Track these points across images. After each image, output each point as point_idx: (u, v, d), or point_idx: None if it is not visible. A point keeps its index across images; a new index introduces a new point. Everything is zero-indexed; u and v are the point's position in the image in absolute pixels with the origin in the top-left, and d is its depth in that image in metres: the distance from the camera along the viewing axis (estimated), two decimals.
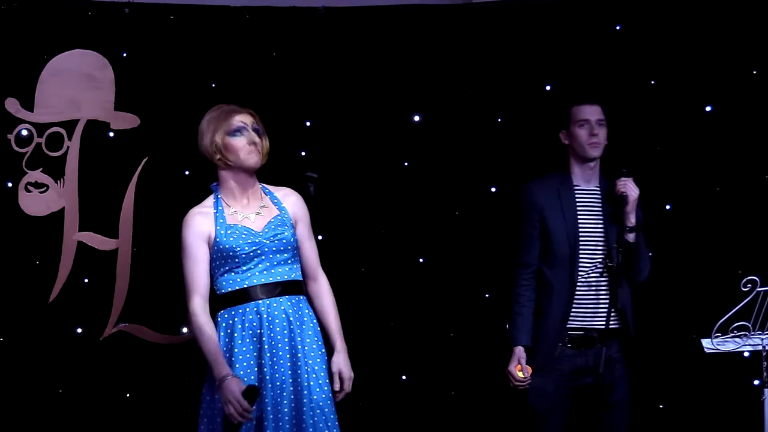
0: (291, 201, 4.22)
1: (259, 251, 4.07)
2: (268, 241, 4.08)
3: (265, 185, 4.26)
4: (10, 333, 5.56)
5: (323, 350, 4.15)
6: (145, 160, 5.65)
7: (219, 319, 4.14)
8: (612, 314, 4.55)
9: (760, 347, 4.40)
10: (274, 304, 4.05)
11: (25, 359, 5.53)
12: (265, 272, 4.08)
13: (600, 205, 4.66)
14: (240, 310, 4.08)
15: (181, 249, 4.17)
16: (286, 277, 4.09)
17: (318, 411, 4.00)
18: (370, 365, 5.16)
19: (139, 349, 5.57)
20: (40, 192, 5.63)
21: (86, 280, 5.60)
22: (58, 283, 5.58)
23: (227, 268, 4.10)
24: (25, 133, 5.64)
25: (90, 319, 5.58)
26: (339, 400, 4.10)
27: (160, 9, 5.68)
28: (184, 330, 5.58)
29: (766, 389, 4.39)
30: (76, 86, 5.66)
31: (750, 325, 4.39)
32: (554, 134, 4.85)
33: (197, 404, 5.51)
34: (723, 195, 5.29)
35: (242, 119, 4.16)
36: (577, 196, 4.70)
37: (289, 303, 4.07)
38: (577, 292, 4.60)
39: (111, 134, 5.66)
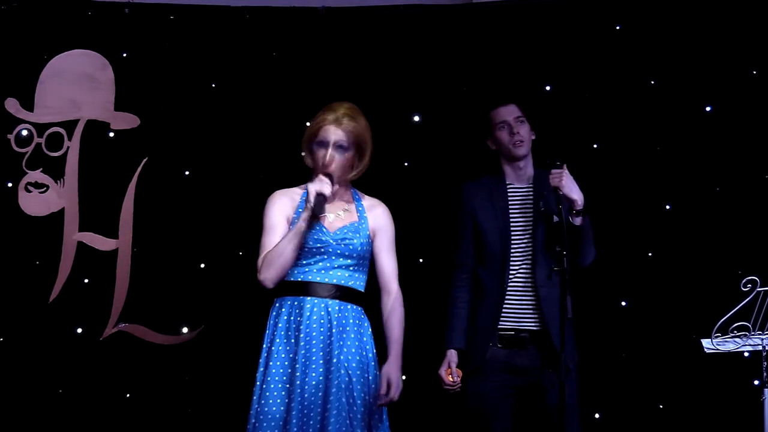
0: (374, 213, 4.20)
1: (323, 249, 4.07)
2: (334, 242, 4.07)
3: (357, 191, 4.24)
4: (10, 333, 5.57)
5: (371, 363, 4.12)
6: (145, 160, 5.65)
7: (272, 306, 4.14)
8: (535, 316, 4.52)
9: (760, 347, 4.40)
10: (322, 305, 4.04)
11: (25, 359, 5.53)
12: (323, 271, 4.07)
13: (532, 202, 4.63)
14: (288, 302, 4.08)
15: (262, 225, 4.13)
16: (343, 282, 4.08)
17: (347, 420, 3.99)
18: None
19: (139, 349, 5.57)
20: (40, 192, 5.63)
21: (86, 280, 5.61)
22: (58, 283, 5.59)
23: None
24: (25, 133, 5.64)
25: (90, 319, 5.59)
26: (381, 404, 4.07)
27: (160, 9, 5.69)
28: (184, 330, 5.59)
29: (766, 389, 4.38)
30: (76, 86, 5.67)
31: (750, 325, 4.38)
32: (554, 134, 4.85)
33: (197, 404, 5.55)
34: (723, 195, 5.29)
35: (327, 135, 4.12)
36: (509, 195, 4.67)
37: (337, 307, 4.05)
38: (509, 292, 4.57)
39: (111, 134, 5.67)
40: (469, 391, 4.59)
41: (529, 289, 4.55)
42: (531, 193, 4.63)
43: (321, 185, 4.02)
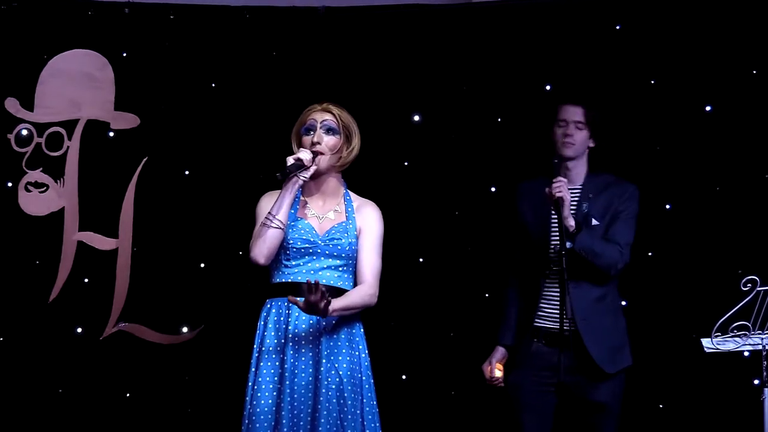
0: (363, 212, 4.19)
1: (311, 250, 4.07)
2: (322, 243, 4.08)
3: (350, 193, 4.25)
4: (10, 333, 5.57)
5: (364, 363, 4.11)
6: (145, 160, 5.65)
7: (263, 307, 4.14)
8: (565, 318, 4.53)
9: (760, 347, 4.39)
10: None
11: (25, 359, 5.53)
12: (311, 272, 4.07)
13: (576, 204, 4.62)
14: (278, 303, 4.09)
15: (255, 221, 4.15)
16: (332, 282, 4.08)
17: (338, 422, 3.99)
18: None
19: (139, 349, 5.57)
20: (40, 192, 5.63)
21: (86, 280, 5.61)
22: (58, 283, 5.59)
23: (280, 258, 4.10)
24: (25, 133, 5.64)
25: (90, 319, 5.59)
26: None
27: (160, 9, 5.69)
28: (184, 330, 5.59)
29: (766, 389, 4.38)
30: (76, 86, 5.67)
31: (750, 325, 4.38)
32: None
33: (197, 404, 5.54)
34: (723, 195, 5.29)
35: (314, 117, 4.17)
36: None
37: None
38: (548, 290, 4.57)
39: (111, 134, 5.67)
40: (509, 383, 4.63)
41: (572, 288, 4.56)
42: (578, 194, 4.63)
43: (300, 152, 4.07)
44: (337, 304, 3.98)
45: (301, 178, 4.08)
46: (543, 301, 4.58)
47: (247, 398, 4.04)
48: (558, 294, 4.51)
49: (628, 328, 5.17)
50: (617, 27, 5.44)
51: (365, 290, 4.11)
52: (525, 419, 4.57)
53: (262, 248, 4.06)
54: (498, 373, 4.65)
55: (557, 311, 4.54)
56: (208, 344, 5.57)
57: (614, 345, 4.61)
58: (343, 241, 4.10)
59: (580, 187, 4.66)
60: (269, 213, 4.06)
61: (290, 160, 4.06)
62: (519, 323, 4.67)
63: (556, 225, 4.57)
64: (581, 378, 4.49)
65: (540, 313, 4.58)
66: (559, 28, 5.47)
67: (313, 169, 4.10)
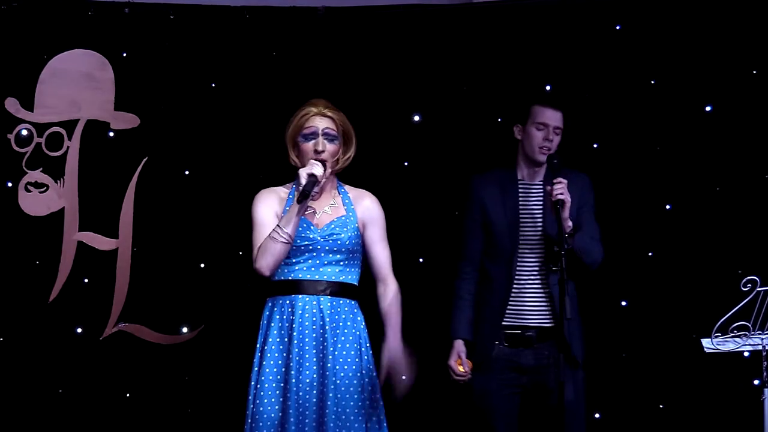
0: (363, 204, 4.19)
1: (311, 247, 4.07)
2: (322, 239, 4.07)
3: (343, 185, 4.23)
4: (10, 333, 5.57)
5: (364, 357, 4.11)
6: (145, 160, 5.66)
7: (264, 306, 4.14)
8: (545, 313, 4.51)
9: (760, 347, 4.40)
10: (314, 302, 4.04)
11: (25, 359, 5.53)
12: (312, 269, 4.07)
13: (542, 201, 4.60)
14: (280, 301, 4.08)
15: (252, 222, 4.13)
16: (334, 277, 4.08)
17: (343, 417, 3.99)
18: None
19: (139, 349, 5.58)
20: (40, 192, 5.63)
21: (86, 280, 5.61)
22: (58, 283, 5.59)
23: None
24: (25, 133, 5.65)
25: (90, 319, 5.59)
26: (399, 393, 4.06)
27: (160, 9, 5.69)
28: (184, 330, 5.59)
29: (766, 389, 4.38)
30: (76, 86, 5.67)
31: (750, 325, 4.39)
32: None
33: (197, 404, 5.55)
34: (723, 195, 5.29)
35: (314, 124, 4.12)
36: (521, 191, 4.67)
37: (329, 303, 4.05)
38: (516, 289, 4.56)
39: (111, 134, 5.67)
40: (475, 389, 4.60)
41: (538, 286, 4.54)
42: (542, 190, 4.61)
43: (312, 167, 4.01)
44: (393, 337, 4.13)
45: (314, 193, 4.05)
46: (513, 300, 4.56)
47: (250, 397, 4.04)
48: (529, 292, 4.52)
49: (628, 328, 5.20)
50: (617, 27, 5.44)
51: (392, 297, 4.17)
52: (499, 425, 4.55)
53: (269, 261, 4.04)
54: (468, 368, 4.62)
55: (528, 310, 4.54)
56: (208, 344, 5.57)
57: (580, 341, 4.61)
58: (343, 235, 4.10)
59: (542, 184, 4.63)
60: (278, 226, 4.03)
61: (304, 177, 3.98)
62: (475, 319, 4.64)
63: (525, 219, 4.57)
64: (551, 377, 4.44)
65: (508, 312, 4.56)
66: (560, 28, 5.48)
67: (324, 181, 4.09)
